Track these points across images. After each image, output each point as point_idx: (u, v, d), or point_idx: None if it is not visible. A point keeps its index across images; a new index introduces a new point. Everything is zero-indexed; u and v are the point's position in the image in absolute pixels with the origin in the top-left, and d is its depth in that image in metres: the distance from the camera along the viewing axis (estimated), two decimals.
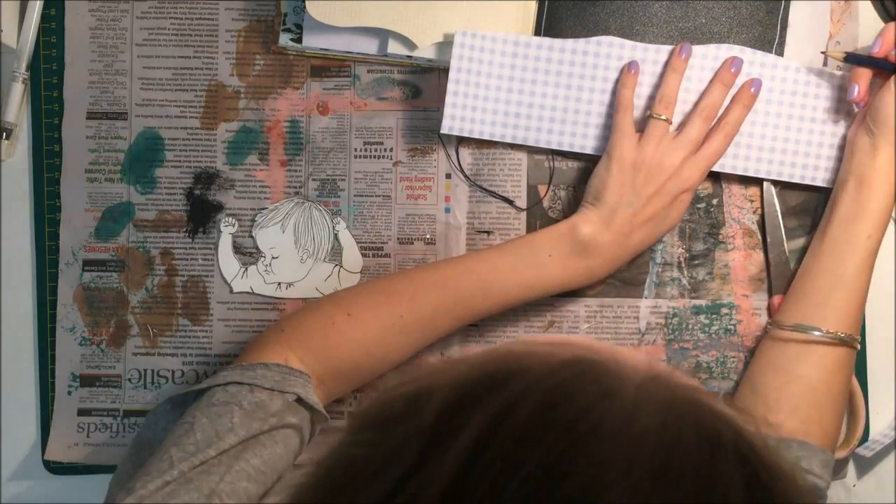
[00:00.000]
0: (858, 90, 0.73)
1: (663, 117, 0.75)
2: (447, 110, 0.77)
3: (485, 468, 0.29)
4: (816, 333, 0.74)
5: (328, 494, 0.32)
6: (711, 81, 0.76)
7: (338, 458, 0.33)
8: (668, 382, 0.33)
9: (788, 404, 0.73)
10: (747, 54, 0.77)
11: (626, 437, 0.30)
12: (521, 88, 0.78)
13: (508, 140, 0.79)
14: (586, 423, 0.30)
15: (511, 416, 0.30)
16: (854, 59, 0.75)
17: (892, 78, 0.72)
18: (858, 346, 0.75)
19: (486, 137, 0.79)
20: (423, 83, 0.82)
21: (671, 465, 0.30)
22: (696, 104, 0.76)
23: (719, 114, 0.76)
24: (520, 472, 0.29)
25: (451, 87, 0.76)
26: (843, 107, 0.77)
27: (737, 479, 0.30)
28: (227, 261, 0.82)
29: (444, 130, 0.77)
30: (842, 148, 0.77)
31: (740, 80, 0.77)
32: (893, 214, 0.77)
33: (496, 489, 0.29)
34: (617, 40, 0.77)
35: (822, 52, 0.77)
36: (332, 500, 0.31)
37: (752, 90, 0.76)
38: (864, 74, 0.74)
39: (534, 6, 0.79)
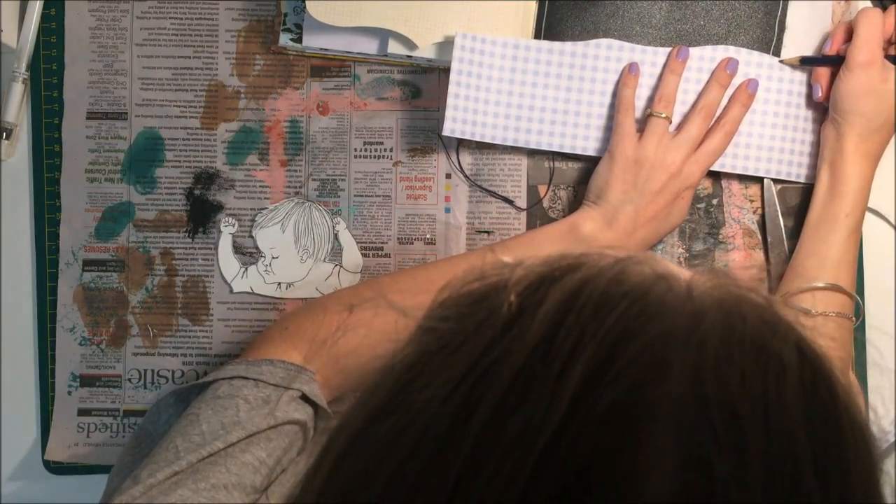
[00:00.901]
0: (821, 89, 0.77)
1: (664, 115, 0.75)
2: (448, 113, 0.77)
3: (568, 330, 0.32)
4: (825, 283, 0.75)
5: (419, 360, 0.34)
6: (708, 81, 0.77)
7: (421, 334, 0.35)
8: (717, 273, 0.37)
9: None
10: (743, 55, 0.77)
11: (687, 310, 0.33)
12: (522, 91, 0.78)
13: (510, 143, 0.79)
14: (652, 296, 0.33)
15: (586, 290, 0.33)
16: (809, 61, 0.78)
17: (843, 69, 0.74)
18: (855, 321, 0.76)
19: (487, 140, 0.79)
20: (423, 83, 0.82)
21: (732, 333, 0.32)
22: (695, 103, 0.76)
23: (718, 113, 0.76)
24: (598, 334, 0.31)
25: (451, 89, 0.76)
26: None
27: (793, 356, 0.33)
28: (227, 261, 0.82)
29: (446, 133, 0.77)
30: None
31: (738, 81, 0.77)
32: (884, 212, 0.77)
33: (580, 347, 0.31)
34: (616, 42, 0.77)
35: (780, 61, 0.78)
36: (423, 365, 0.33)
37: (749, 90, 0.77)
38: (824, 74, 0.77)
39: (534, 7, 0.79)
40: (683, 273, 0.36)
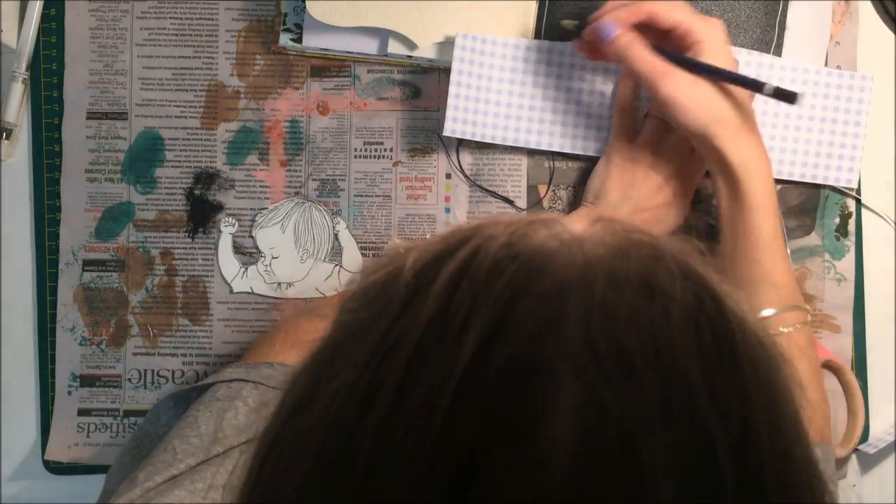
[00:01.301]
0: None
1: (660, 115, 0.75)
2: (449, 113, 0.77)
3: (461, 299, 0.32)
4: (765, 313, 0.69)
5: (330, 353, 0.34)
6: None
7: (333, 328, 0.35)
8: (608, 221, 0.37)
9: None
10: (743, 55, 0.77)
11: (578, 262, 0.33)
12: (522, 91, 0.78)
13: (510, 143, 0.79)
14: (543, 254, 0.34)
15: (478, 258, 0.33)
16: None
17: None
18: (809, 318, 0.71)
19: (487, 140, 0.79)
20: (423, 83, 0.82)
21: (618, 273, 0.33)
22: None
23: None
24: (490, 297, 0.32)
25: (452, 90, 0.76)
26: (842, 105, 0.78)
27: (680, 286, 0.33)
28: (227, 261, 0.82)
29: (447, 134, 0.77)
30: (842, 146, 0.78)
31: None
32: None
33: (473, 313, 0.31)
34: None
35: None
36: (333, 358, 0.33)
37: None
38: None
39: (534, 7, 0.79)
40: (577, 227, 0.36)
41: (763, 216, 0.68)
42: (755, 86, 0.67)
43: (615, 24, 0.69)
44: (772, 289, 0.69)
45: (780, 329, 0.68)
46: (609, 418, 0.30)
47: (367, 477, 0.30)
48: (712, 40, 0.68)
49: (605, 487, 0.29)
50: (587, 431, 0.29)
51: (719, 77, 0.68)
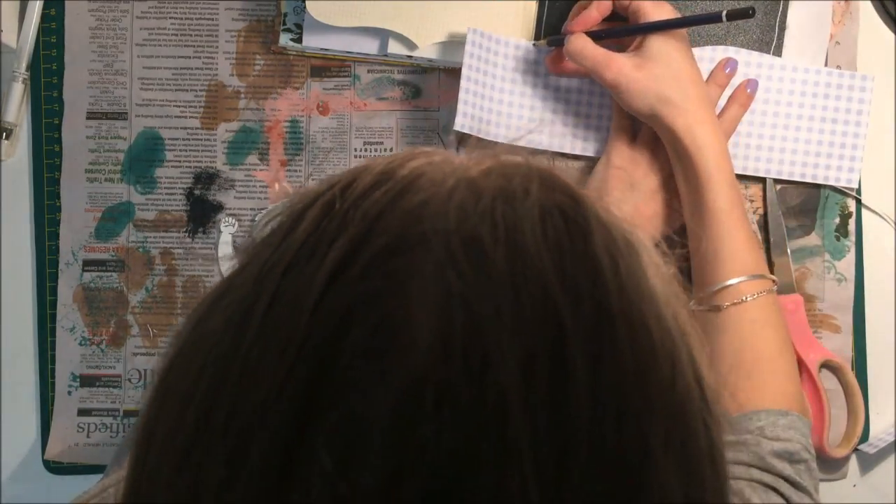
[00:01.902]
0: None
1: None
2: (460, 107, 0.76)
3: (333, 215, 0.34)
4: (725, 283, 0.69)
5: (233, 275, 0.36)
6: (707, 81, 0.76)
7: (239, 259, 0.37)
8: (487, 150, 0.38)
9: (734, 376, 0.69)
10: (742, 55, 0.77)
11: (448, 184, 0.34)
12: (524, 91, 0.78)
13: (518, 143, 0.79)
14: (416, 173, 0.35)
15: (353, 186, 0.35)
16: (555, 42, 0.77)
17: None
18: (774, 287, 0.71)
19: (490, 138, 0.79)
20: (423, 83, 0.82)
21: (479, 181, 0.35)
22: None
23: (717, 112, 0.76)
24: (357, 214, 0.33)
25: (463, 83, 0.76)
26: (842, 105, 0.78)
27: (536, 187, 0.34)
28: (227, 261, 0.82)
29: (457, 128, 0.77)
30: (842, 146, 0.78)
31: (737, 81, 0.77)
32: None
33: (342, 227, 0.33)
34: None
35: (533, 44, 0.79)
36: (232, 278, 0.35)
37: (749, 90, 0.77)
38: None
39: (534, 7, 0.79)
40: (457, 157, 0.37)
41: (717, 188, 0.69)
42: (709, 19, 0.71)
43: (569, 33, 0.73)
44: (731, 259, 0.69)
45: (744, 298, 0.69)
46: (456, 303, 0.30)
47: (246, 367, 0.32)
48: (647, 3, 0.71)
49: (457, 375, 0.30)
50: (453, 329, 0.30)
51: (667, 26, 0.70)
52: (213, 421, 0.31)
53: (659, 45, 0.70)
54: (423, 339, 0.30)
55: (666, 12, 0.71)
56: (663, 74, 0.70)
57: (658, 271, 0.36)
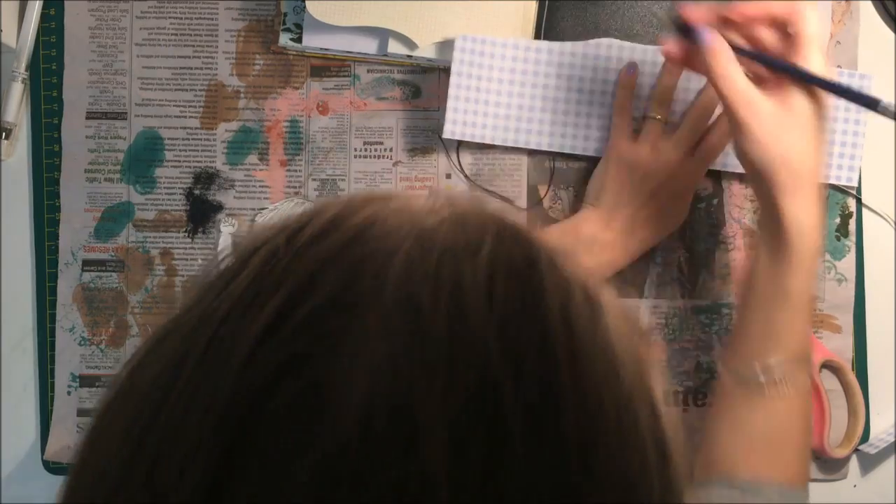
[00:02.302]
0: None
1: (658, 117, 0.75)
2: (449, 115, 0.77)
3: (276, 264, 0.32)
4: (768, 361, 0.64)
5: (172, 323, 0.34)
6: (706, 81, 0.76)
7: (182, 303, 0.35)
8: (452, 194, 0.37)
9: (742, 454, 0.65)
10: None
11: (404, 228, 0.33)
12: (522, 92, 0.78)
13: (510, 144, 0.79)
14: (368, 222, 0.33)
15: (304, 229, 0.33)
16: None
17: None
18: (809, 371, 0.67)
19: (486, 141, 0.79)
20: (423, 83, 0.82)
21: (428, 232, 0.33)
22: (692, 103, 0.76)
23: (717, 112, 0.76)
24: (300, 266, 0.32)
25: (451, 92, 0.76)
26: (842, 105, 0.78)
27: (492, 238, 0.33)
28: None
29: (446, 136, 0.77)
30: (842, 146, 0.78)
31: None
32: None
33: (284, 278, 0.31)
34: (616, 42, 0.77)
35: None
36: (168, 328, 0.33)
37: None
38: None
39: (534, 7, 0.79)
40: (416, 203, 0.35)
41: (803, 277, 0.63)
42: (866, 102, 0.60)
43: (708, 29, 0.63)
44: (783, 338, 0.64)
45: (782, 378, 0.64)
46: (386, 373, 0.29)
47: (170, 424, 0.30)
48: (813, 37, 0.62)
49: (380, 453, 0.28)
50: (368, 389, 0.28)
51: (828, 86, 0.62)
52: (135, 477, 0.30)
53: (804, 103, 0.62)
54: (347, 410, 0.28)
55: (822, 65, 0.62)
56: (796, 139, 0.62)
57: (623, 331, 0.33)
